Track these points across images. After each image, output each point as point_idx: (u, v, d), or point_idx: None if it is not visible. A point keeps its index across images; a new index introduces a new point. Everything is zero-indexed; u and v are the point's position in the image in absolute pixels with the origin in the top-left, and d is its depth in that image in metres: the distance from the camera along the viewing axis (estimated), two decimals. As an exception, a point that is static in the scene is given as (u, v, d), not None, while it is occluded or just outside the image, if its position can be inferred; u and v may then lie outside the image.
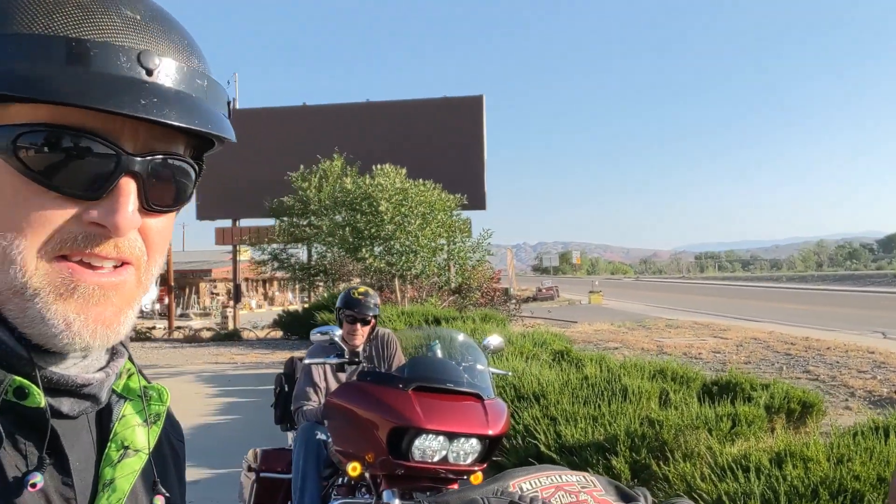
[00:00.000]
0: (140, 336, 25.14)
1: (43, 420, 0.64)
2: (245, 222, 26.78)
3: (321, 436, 3.73)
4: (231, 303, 29.28)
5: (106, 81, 0.59)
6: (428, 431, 3.15)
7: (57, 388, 0.66)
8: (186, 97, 0.64)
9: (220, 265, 43.73)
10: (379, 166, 16.58)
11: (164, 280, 31.38)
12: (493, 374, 3.90)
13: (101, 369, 0.71)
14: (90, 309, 0.65)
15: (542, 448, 4.28)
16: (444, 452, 3.19)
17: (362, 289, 4.17)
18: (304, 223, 21.98)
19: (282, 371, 4.61)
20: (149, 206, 0.66)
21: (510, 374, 5.33)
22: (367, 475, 3.34)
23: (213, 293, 47.74)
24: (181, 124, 0.61)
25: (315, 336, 3.66)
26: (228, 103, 0.75)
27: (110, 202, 0.63)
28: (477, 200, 23.46)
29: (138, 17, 0.64)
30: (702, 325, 19.06)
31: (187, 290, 45.54)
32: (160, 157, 0.66)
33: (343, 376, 3.87)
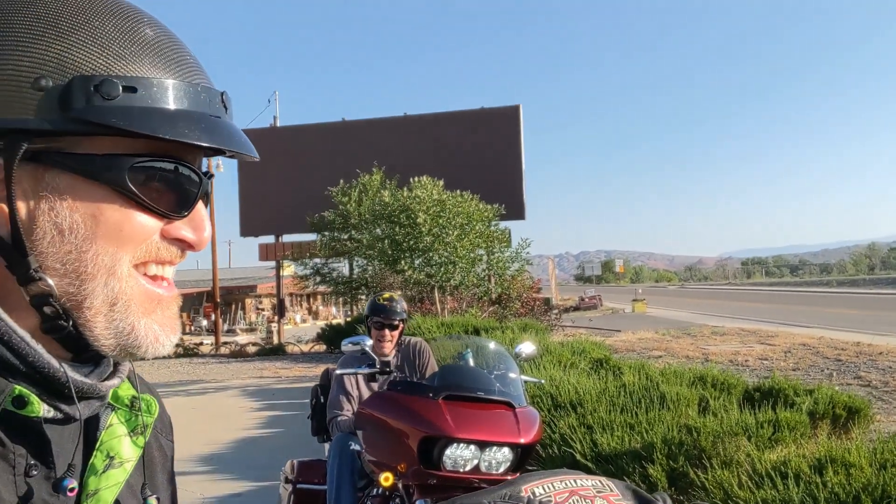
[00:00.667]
0: (188, 352, 25.62)
1: (35, 428, 0.66)
2: (288, 238, 27.14)
3: (355, 446, 3.75)
4: (276, 318, 29.64)
5: (214, 124, 0.68)
6: (459, 440, 3.15)
7: (83, 396, 0.69)
8: (234, 125, 0.73)
9: (264, 281, 44.35)
10: (416, 178, 16.67)
11: (210, 297, 31.93)
12: (525, 382, 3.88)
13: (109, 376, 0.74)
14: (167, 320, 0.72)
15: (578, 457, 4.24)
16: (475, 461, 3.18)
17: (387, 294, 4.21)
18: (345, 237, 22.18)
19: (318, 383, 4.65)
20: None
21: (543, 381, 5.29)
22: (399, 485, 3.33)
23: (258, 309, 48.41)
24: (250, 155, 0.71)
25: (346, 346, 3.69)
26: None
27: (193, 220, 0.71)
28: (516, 211, 23.41)
29: (197, 59, 0.72)
30: (748, 332, 18.69)
31: (233, 307, 46.27)
32: (208, 177, 0.73)
33: (375, 386, 3.89)
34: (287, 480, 4.27)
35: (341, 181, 22.43)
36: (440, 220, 15.03)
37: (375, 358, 3.68)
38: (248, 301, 48.18)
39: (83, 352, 0.69)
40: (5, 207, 0.64)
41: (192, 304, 45.92)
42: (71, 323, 0.67)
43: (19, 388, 0.64)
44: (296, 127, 28.78)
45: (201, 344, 27.67)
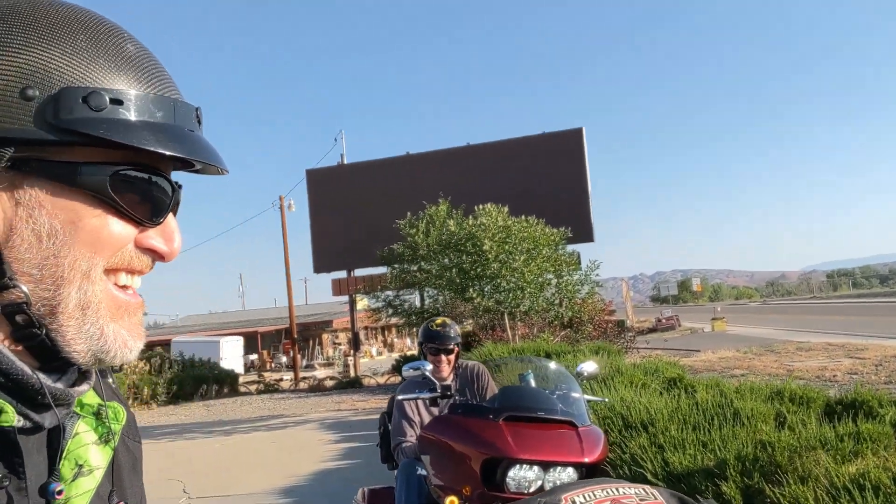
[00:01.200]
0: (269, 388, 26.21)
1: (8, 438, 0.66)
2: (359, 272, 27.58)
3: (422, 471, 3.78)
4: (352, 351, 30.04)
5: (187, 136, 0.71)
6: (521, 461, 3.14)
7: (56, 403, 0.69)
8: (206, 139, 0.76)
9: (339, 316, 45.04)
10: (481, 206, 16.75)
11: (288, 334, 32.63)
12: (589, 401, 3.85)
13: (76, 383, 0.74)
14: (134, 328, 0.73)
15: (650, 476, 4.15)
16: (539, 482, 3.16)
17: (440, 320, 4.24)
18: (415, 268, 22.38)
19: (385, 410, 4.71)
20: None
21: (607, 400, 5.23)
22: None
23: (335, 343, 49.13)
24: (221, 167, 0.75)
25: (407, 372, 3.75)
26: None
27: (165, 231, 0.74)
28: (584, 233, 23.20)
29: (170, 76, 0.75)
30: (836, 346, 17.91)
31: (311, 342, 47.10)
32: (179, 187, 0.76)
33: (436, 410, 3.92)
34: (358, 508, 4.33)
35: (408, 213, 22.71)
36: (506, 247, 15.04)
37: (436, 382, 3.71)
38: (324, 336, 48.99)
39: (51, 360, 0.69)
40: None
41: (272, 341, 46.98)
42: (44, 331, 0.67)
43: None
44: (362, 163, 29.36)
45: (281, 380, 28.26)
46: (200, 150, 0.71)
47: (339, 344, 47.45)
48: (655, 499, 1.57)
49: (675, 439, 4.54)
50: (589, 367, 4.03)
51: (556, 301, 16.45)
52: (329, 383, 25.40)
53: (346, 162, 29.62)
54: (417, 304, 24.17)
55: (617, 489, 1.54)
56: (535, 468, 3.15)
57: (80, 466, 0.73)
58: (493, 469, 3.17)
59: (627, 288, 44.26)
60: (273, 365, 42.43)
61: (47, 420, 0.70)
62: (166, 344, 36.04)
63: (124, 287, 0.73)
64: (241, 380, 27.62)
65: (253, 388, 26.47)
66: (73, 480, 0.72)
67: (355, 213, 26.78)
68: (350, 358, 29.74)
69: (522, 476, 3.15)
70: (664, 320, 39.40)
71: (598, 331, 17.49)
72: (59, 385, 0.70)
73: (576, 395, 3.63)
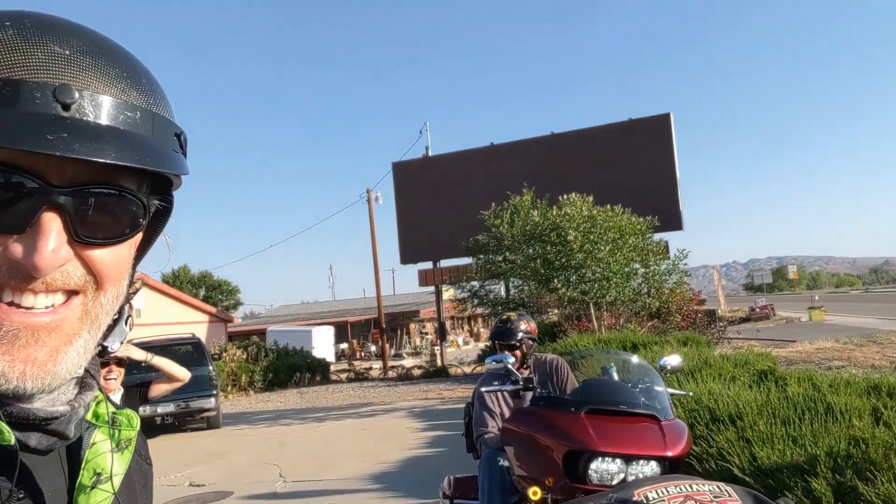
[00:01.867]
0: (359, 376, 26.86)
1: (12, 456, 0.64)
2: (445, 263, 27.84)
3: (504, 462, 3.87)
4: (438, 341, 30.42)
5: (16, 119, 0.59)
6: (603, 454, 3.18)
7: (22, 422, 0.66)
8: (113, 130, 0.64)
9: (426, 306, 45.60)
10: (565, 196, 16.64)
11: (376, 323, 33.33)
12: (672, 394, 3.85)
13: (68, 402, 0.71)
14: (17, 352, 0.64)
15: (736, 471, 4.11)
16: (622, 475, 3.20)
17: (506, 316, 4.31)
18: (500, 259, 22.46)
19: (470, 401, 4.83)
20: (78, 238, 0.65)
21: (691, 394, 5.17)
22: (549, 499, 3.40)
23: (422, 333, 49.79)
24: (92, 158, 0.61)
25: (490, 364, 3.84)
26: (178, 136, 0.73)
27: (31, 239, 0.63)
28: (672, 221, 22.68)
29: (67, 53, 0.63)
30: (946, 337, 16.94)
31: (399, 332, 47.88)
32: (89, 188, 0.65)
33: (517, 402, 4.00)
34: (444, 496, 4.46)
35: (493, 204, 22.77)
36: (591, 237, 14.90)
37: (518, 375, 3.79)
38: (412, 326, 49.70)
39: None
40: None
41: (361, 330, 48.03)
42: None
43: None
44: (447, 155, 29.56)
45: (370, 368, 28.90)
46: (10, 135, 0.59)
47: (426, 333, 48.08)
48: (730, 496, 1.60)
49: (763, 434, 4.47)
50: (672, 360, 4.03)
51: (643, 291, 16.19)
52: (416, 372, 25.82)
53: (430, 154, 29.90)
54: (503, 294, 24.25)
55: (691, 486, 1.58)
56: (618, 461, 3.19)
57: (99, 475, 0.73)
58: (575, 461, 3.23)
59: (719, 276, 42.97)
60: (362, 354, 43.39)
61: (33, 440, 0.68)
62: (262, 333, 37.41)
63: (13, 305, 0.64)
64: (332, 368, 28.41)
65: (343, 376, 27.19)
66: (91, 489, 0.72)
67: (440, 204, 27.03)
68: (437, 347, 30.10)
69: (605, 469, 3.19)
70: (758, 309, 38.04)
71: (687, 321, 17.11)
72: (26, 406, 0.67)
73: (659, 388, 3.64)
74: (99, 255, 0.67)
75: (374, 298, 31.38)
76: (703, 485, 1.60)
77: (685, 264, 16.96)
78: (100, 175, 0.66)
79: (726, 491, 1.57)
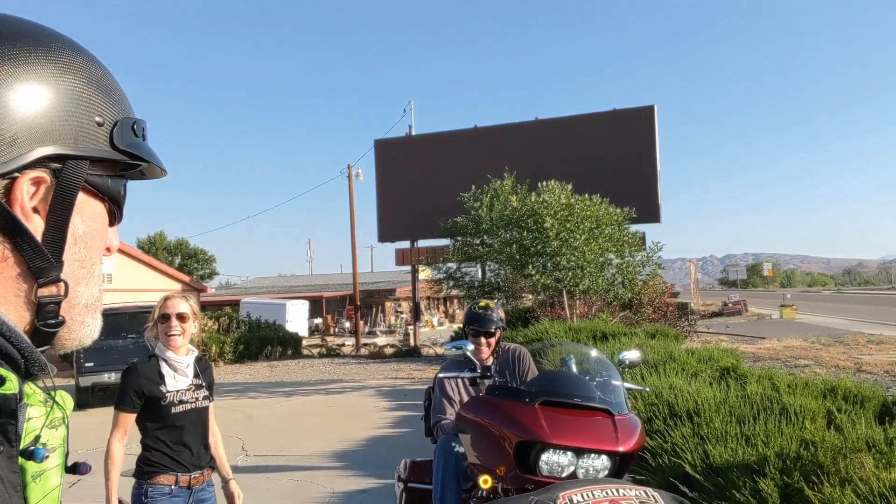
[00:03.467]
0: (330, 352, 26.83)
1: (9, 406, 0.71)
2: (423, 243, 27.82)
3: (459, 448, 3.87)
4: (412, 320, 30.45)
5: (149, 149, 0.86)
6: (554, 446, 3.19)
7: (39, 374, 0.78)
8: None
9: (403, 285, 45.59)
10: (544, 183, 16.64)
11: (352, 300, 33.29)
12: (628, 389, 3.86)
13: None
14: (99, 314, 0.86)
15: (688, 468, 4.15)
16: (572, 468, 3.20)
17: (483, 303, 4.27)
18: (477, 242, 22.47)
19: (430, 385, 4.82)
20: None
21: (647, 389, 5.20)
22: (499, 488, 3.41)
23: (397, 311, 49.80)
24: (165, 170, 0.90)
25: (449, 351, 3.83)
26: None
27: (114, 230, 0.88)
28: (650, 213, 22.80)
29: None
30: (910, 341, 17.24)
31: (374, 309, 47.85)
32: None
33: (476, 390, 3.99)
34: (399, 479, 4.46)
35: (473, 187, 22.73)
36: (567, 225, 14.93)
37: (476, 363, 3.78)
38: (387, 304, 49.70)
39: (42, 345, 0.78)
40: (41, 218, 0.76)
41: (337, 306, 47.96)
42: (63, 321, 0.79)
43: (2, 371, 0.71)
44: (430, 135, 29.44)
45: (343, 345, 28.88)
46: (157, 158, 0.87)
47: (402, 312, 48.10)
48: (656, 501, 1.60)
49: (718, 431, 4.52)
50: (632, 354, 4.03)
51: (617, 281, 16.28)
52: (389, 351, 25.84)
53: (414, 133, 29.76)
54: (479, 277, 24.29)
55: (617, 490, 1.58)
56: (569, 454, 3.20)
57: (45, 445, 0.78)
58: (527, 452, 3.23)
59: (695, 270, 43.33)
60: (336, 330, 43.34)
61: (51, 381, 0.81)
62: (235, 304, 37.22)
63: None
64: (304, 343, 28.34)
65: (315, 351, 27.15)
66: (42, 460, 0.77)
67: (421, 184, 26.94)
68: (411, 327, 30.15)
69: (555, 461, 3.20)
70: (730, 305, 38.51)
71: (658, 313, 17.24)
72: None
73: (616, 382, 3.63)
74: None
75: (350, 275, 31.31)
76: (630, 489, 1.59)
77: (660, 257, 17.07)
78: None
79: (653, 496, 1.57)
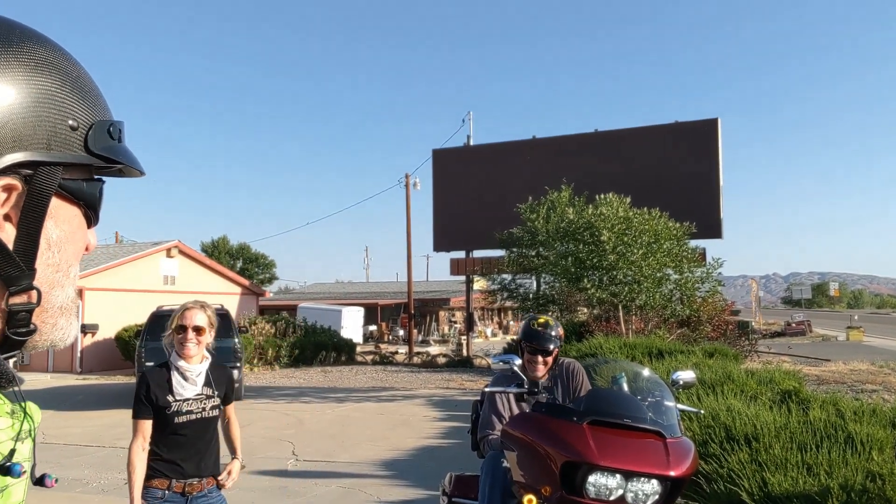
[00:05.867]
0: (383, 360, 26.97)
1: None
2: (478, 253, 27.75)
3: (507, 464, 3.78)
4: (466, 330, 30.37)
5: (126, 150, 0.84)
6: (602, 468, 3.08)
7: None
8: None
9: (457, 294, 45.54)
10: (602, 196, 16.40)
11: (406, 308, 33.42)
12: (682, 411, 3.72)
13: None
14: (74, 318, 0.84)
15: (745, 496, 3.99)
16: (620, 492, 3.09)
17: (542, 319, 4.11)
18: (533, 254, 22.31)
19: (478, 399, 4.75)
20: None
21: (702, 412, 5.02)
22: None
23: (451, 321, 49.76)
24: (144, 173, 0.88)
25: (496, 365, 3.75)
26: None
27: (92, 230, 0.86)
28: (712, 229, 22.27)
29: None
30: None
31: (428, 318, 47.93)
32: None
33: (525, 406, 3.90)
34: (444, 493, 4.40)
35: (530, 198, 22.59)
36: (625, 239, 14.68)
37: (524, 378, 3.70)
38: (441, 313, 49.71)
39: (12, 349, 0.77)
40: (12, 226, 0.74)
41: (392, 314, 48.21)
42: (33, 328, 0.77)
43: None
44: (488, 145, 29.40)
45: (396, 353, 28.98)
46: (135, 161, 0.85)
47: (455, 322, 48.04)
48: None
49: (778, 458, 4.34)
50: (686, 375, 3.88)
51: (675, 297, 15.91)
52: (441, 360, 25.81)
53: (472, 143, 29.76)
54: (533, 289, 24.10)
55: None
56: (617, 476, 3.09)
57: (11, 458, 0.78)
58: (573, 472, 3.13)
59: (757, 287, 42.16)
60: (390, 337, 43.54)
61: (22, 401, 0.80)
62: (293, 309, 37.75)
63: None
64: (358, 349, 28.55)
65: (369, 358, 27.31)
66: (7, 473, 0.77)
67: (478, 194, 26.89)
68: (464, 337, 30.08)
69: (603, 483, 3.09)
70: (794, 325, 37.29)
71: (718, 331, 16.79)
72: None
73: (669, 403, 3.51)
74: None
75: (406, 283, 31.44)
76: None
77: (720, 273, 16.64)
78: None
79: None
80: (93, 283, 23.34)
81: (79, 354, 23.08)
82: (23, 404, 0.82)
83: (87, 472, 8.48)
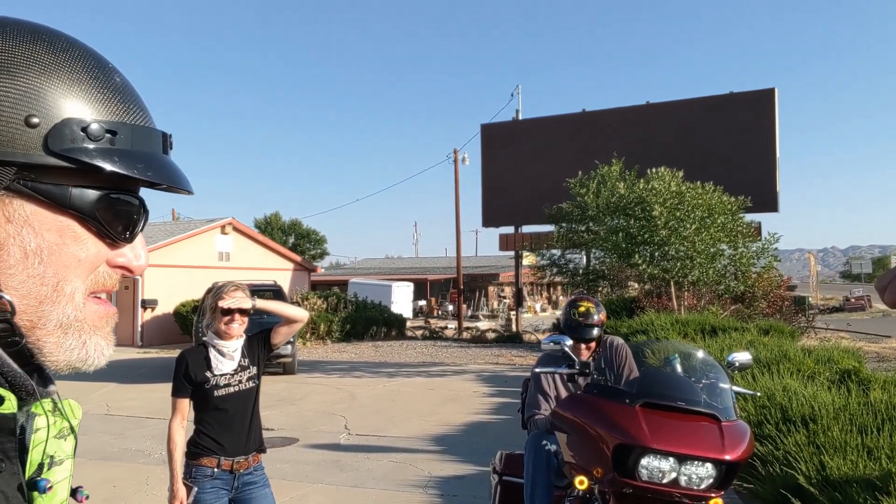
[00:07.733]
0: (433, 335, 27.17)
1: (7, 426, 0.70)
2: (527, 229, 27.62)
3: (550, 446, 3.78)
4: (515, 306, 30.35)
5: (165, 160, 0.78)
6: (654, 451, 3.05)
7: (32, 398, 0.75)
8: (174, 163, 0.81)
9: (506, 270, 45.49)
10: (654, 170, 16.10)
11: (455, 283, 33.54)
12: (737, 394, 3.66)
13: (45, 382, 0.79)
14: (110, 336, 0.78)
15: (802, 479, 3.91)
16: (674, 475, 3.06)
17: (583, 308, 4.07)
18: (582, 229, 22.09)
19: (527, 377, 4.74)
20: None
21: (759, 394, 4.92)
22: (595, 490, 3.30)
23: (500, 296, 49.77)
24: (187, 190, 0.79)
25: (547, 345, 3.73)
26: None
27: (135, 248, 0.79)
28: (768, 202, 21.70)
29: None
30: None
31: (477, 293, 48.02)
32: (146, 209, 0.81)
33: (573, 387, 3.88)
34: (495, 471, 4.43)
35: (580, 172, 22.32)
36: (677, 213, 14.40)
37: (575, 359, 3.67)
38: (490, 288, 49.74)
39: (23, 365, 0.73)
40: None
41: (441, 289, 48.45)
42: (24, 341, 0.72)
43: (2, 391, 0.69)
44: (537, 119, 29.08)
45: (446, 328, 29.15)
46: (176, 176, 0.77)
47: (504, 297, 48.02)
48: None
49: (836, 441, 4.24)
50: (742, 357, 3.80)
51: (729, 273, 15.59)
52: (490, 335, 25.87)
53: (521, 118, 29.49)
54: (583, 264, 23.90)
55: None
56: (671, 460, 3.06)
57: (52, 457, 0.77)
58: (626, 455, 3.11)
59: (814, 262, 41.03)
60: (440, 312, 43.81)
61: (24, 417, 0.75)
62: (344, 284, 38.24)
63: (99, 297, 0.78)
64: (408, 324, 28.80)
65: (419, 333, 27.54)
66: (48, 470, 0.76)
67: (527, 169, 26.70)
68: (513, 312, 30.07)
69: (656, 466, 3.07)
70: (853, 300, 36.27)
71: (773, 307, 16.40)
72: (41, 387, 0.75)
73: (723, 386, 3.45)
74: None
75: (455, 258, 31.51)
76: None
77: (776, 248, 16.21)
78: None
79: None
80: (151, 260, 23.98)
81: (139, 329, 23.81)
82: (61, 402, 0.81)
83: (149, 444, 8.77)
